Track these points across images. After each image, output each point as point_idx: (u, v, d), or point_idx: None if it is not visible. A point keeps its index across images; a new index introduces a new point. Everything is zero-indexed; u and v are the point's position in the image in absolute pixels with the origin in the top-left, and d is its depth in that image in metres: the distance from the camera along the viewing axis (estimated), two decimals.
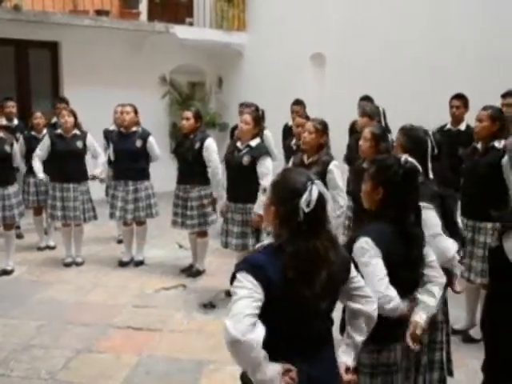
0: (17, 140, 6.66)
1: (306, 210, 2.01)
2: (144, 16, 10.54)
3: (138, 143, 6.36)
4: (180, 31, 10.27)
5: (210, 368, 4.23)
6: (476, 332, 4.47)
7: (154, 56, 10.46)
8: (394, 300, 2.39)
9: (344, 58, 8.54)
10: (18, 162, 6.50)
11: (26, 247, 7.25)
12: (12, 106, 7.63)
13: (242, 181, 5.22)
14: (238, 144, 5.35)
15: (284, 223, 2.07)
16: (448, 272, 2.96)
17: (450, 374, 3.29)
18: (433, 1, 7.33)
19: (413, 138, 3.31)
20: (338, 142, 5.98)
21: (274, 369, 1.98)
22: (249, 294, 1.96)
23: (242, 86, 10.86)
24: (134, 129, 6.39)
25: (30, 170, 6.97)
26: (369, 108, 5.76)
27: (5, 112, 7.54)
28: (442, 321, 3.18)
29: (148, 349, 4.55)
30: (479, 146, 4.53)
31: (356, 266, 2.34)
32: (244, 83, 10.86)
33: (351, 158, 5.88)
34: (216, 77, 11.81)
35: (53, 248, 7.28)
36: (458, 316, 4.71)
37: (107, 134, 7.11)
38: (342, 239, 2.64)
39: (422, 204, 2.71)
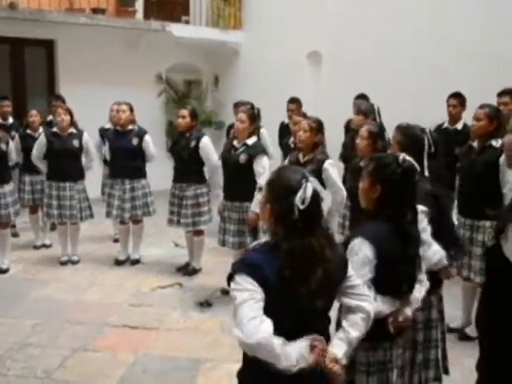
0: (12, 138, 6.64)
1: (301, 207, 2.02)
2: (140, 14, 10.51)
3: (135, 141, 6.35)
4: (176, 29, 10.25)
5: (207, 366, 4.24)
6: (472, 330, 4.47)
7: (150, 54, 10.44)
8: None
9: (341, 56, 8.53)
10: (14, 159, 6.48)
11: (22, 246, 7.24)
12: (7, 106, 7.61)
13: (239, 179, 5.22)
14: (235, 142, 5.36)
15: (279, 221, 2.08)
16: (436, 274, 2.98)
17: (446, 372, 3.30)
18: (433, 0, 7.33)
19: (410, 135, 3.32)
20: (335, 141, 6.00)
21: (298, 350, 2.01)
22: (250, 296, 1.97)
23: (239, 84, 10.85)
24: (130, 127, 6.38)
25: (26, 169, 6.98)
26: (364, 106, 5.77)
27: (0, 111, 7.52)
28: (437, 319, 3.19)
29: (144, 347, 4.55)
30: (475, 144, 4.54)
31: None
32: (240, 82, 10.85)
33: (347, 156, 5.89)
34: (212, 75, 11.79)
35: (49, 246, 7.27)
36: (454, 314, 4.72)
37: (103, 132, 7.10)
38: (337, 238, 2.63)
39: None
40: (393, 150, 3.36)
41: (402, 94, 7.24)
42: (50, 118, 7.62)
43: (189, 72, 11.58)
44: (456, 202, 4.66)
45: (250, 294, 1.97)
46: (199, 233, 6.20)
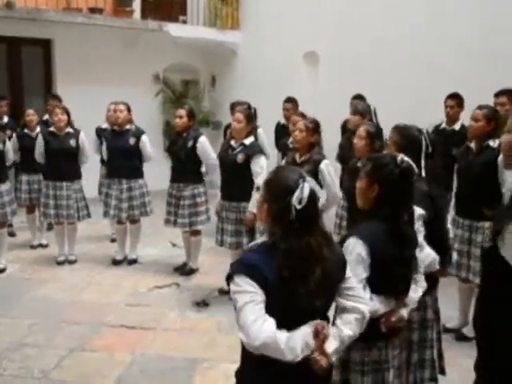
0: (9, 138, 6.63)
1: (298, 207, 2.03)
2: (137, 14, 10.51)
3: (132, 141, 6.34)
4: (173, 29, 10.24)
5: (204, 366, 4.24)
6: (469, 330, 4.48)
7: (148, 54, 10.44)
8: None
9: (339, 53, 8.51)
10: (11, 159, 6.47)
11: (19, 245, 7.23)
12: (3, 105, 7.59)
13: (237, 179, 5.22)
14: (232, 142, 5.35)
15: (277, 221, 2.09)
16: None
17: (442, 372, 3.30)
18: None
19: (407, 136, 3.32)
20: (332, 141, 5.99)
21: (302, 338, 2.03)
22: (250, 298, 1.99)
23: (236, 84, 10.85)
24: (128, 127, 6.37)
25: (23, 168, 6.98)
26: (361, 106, 5.78)
27: None
28: (433, 319, 3.19)
29: (141, 347, 4.54)
30: (472, 145, 4.54)
31: None
32: (238, 82, 10.84)
33: (344, 156, 5.89)
34: (209, 75, 11.79)
35: (45, 246, 7.26)
36: (451, 315, 4.73)
37: (100, 132, 7.09)
38: (334, 238, 2.63)
39: None
40: (389, 150, 3.37)
41: (399, 91, 7.23)
42: (45, 117, 7.60)
43: (186, 72, 11.57)
44: (454, 203, 4.67)
45: (250, 296, 1.98)
46: (196, 233, 6.19)
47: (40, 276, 6.19)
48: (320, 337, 2.05)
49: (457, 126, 5.92)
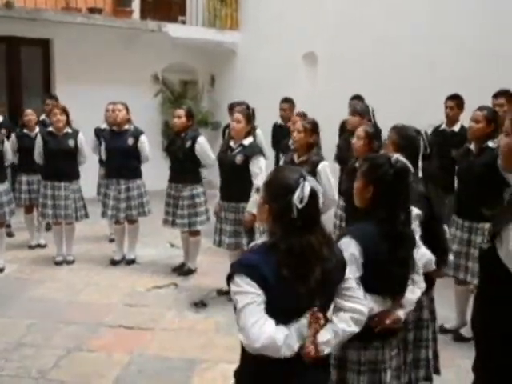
0: (7, 137, 6.62)
1: (299, 206, 2.02)
2: (137, 14, 10.53)
3: (130, 141, 6.33)
4: (172, 30, 10.26)
5: (202, 366, 4.23)
6: (467, 331, 4.49)
7: (147, 54, 10.44)
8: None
9: (339, 53, 8.49)
10: (10, 159, 6.47)
11: (17, 245, 7.22)
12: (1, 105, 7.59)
13: (235, 180, 5.21)
14: (231, 143, 5.35)
15: (277, 220, 2.08)
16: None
17: (437, 372, 3.30)
18: None
19: (405, 136, 3.33)
20: (331, 141, 5.98)
21: (297, 332, 2.03)
22: (251, 299, 1.98)
23: (235, 84, 10.85)
24: (126, 127, 6.37)
25: (23, 168, 6.97)
26: (359, 107, 5.77)
27: None
28: (428, 319, 3.19)
29: (139, 347, 4.54)
30: (472, 146, 4.54)
31: None
32: (236, 82, 10.84)
33: (342, 157, 5.89)
34: (208, 75, 11.80)
35: (44, 246, 7.25)
36: (448, 315, 4.73)
37: (98, 132, 7.08)
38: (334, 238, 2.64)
39: None
40: (387, 150, 3.37)
41: (400, 91, 7.22)
42: (42, 117, 7.60)
43: (185, 72, 11.58)
44: (453, 204, 4.67)
45: (251, 297, 1.98)
46: (195, 233, 6.19)
47: (38, 276, 6.19)
48: (313, 326, 2.04)
49: (456, 128, 5.92)
